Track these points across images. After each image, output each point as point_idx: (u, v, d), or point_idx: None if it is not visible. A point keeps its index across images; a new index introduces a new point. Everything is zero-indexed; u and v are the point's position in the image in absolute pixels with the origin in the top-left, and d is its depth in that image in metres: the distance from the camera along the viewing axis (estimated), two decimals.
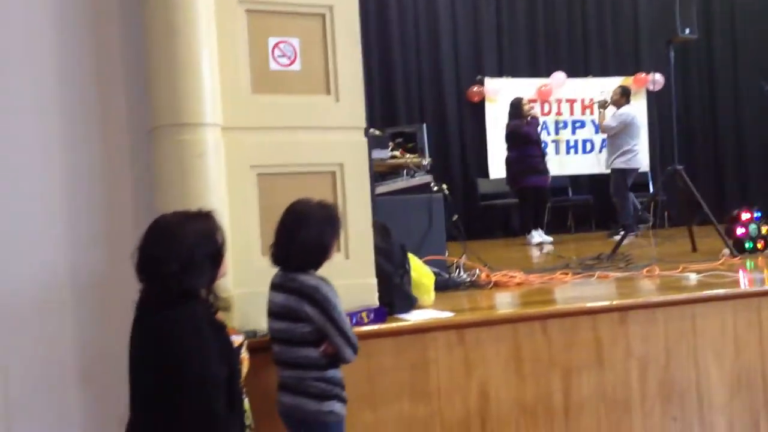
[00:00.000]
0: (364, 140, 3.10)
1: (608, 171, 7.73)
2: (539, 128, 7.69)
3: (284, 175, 2.92)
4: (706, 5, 9.77)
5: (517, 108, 7.52)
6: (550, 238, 7.34)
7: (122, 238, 2.82)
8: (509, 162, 7.56)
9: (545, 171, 7.50)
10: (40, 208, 2.76)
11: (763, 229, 5.17)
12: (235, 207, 2.82)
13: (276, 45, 2.97)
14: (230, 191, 2.81)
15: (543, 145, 7.89)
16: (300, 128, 2.98)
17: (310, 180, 2.97)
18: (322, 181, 2.99)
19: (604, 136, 8.03)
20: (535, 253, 6.53)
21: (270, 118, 2.93)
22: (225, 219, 2.74)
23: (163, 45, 2.72)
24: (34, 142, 2.76)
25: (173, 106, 2.73)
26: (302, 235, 2.38)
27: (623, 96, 7.66)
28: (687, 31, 5.46)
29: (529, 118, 7.46)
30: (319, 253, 2.42)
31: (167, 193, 2.71)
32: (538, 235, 7.33)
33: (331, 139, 3.01)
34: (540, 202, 7.58)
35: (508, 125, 7.60)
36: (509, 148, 7.55)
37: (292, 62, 2.99)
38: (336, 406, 2.37)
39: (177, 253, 2.01)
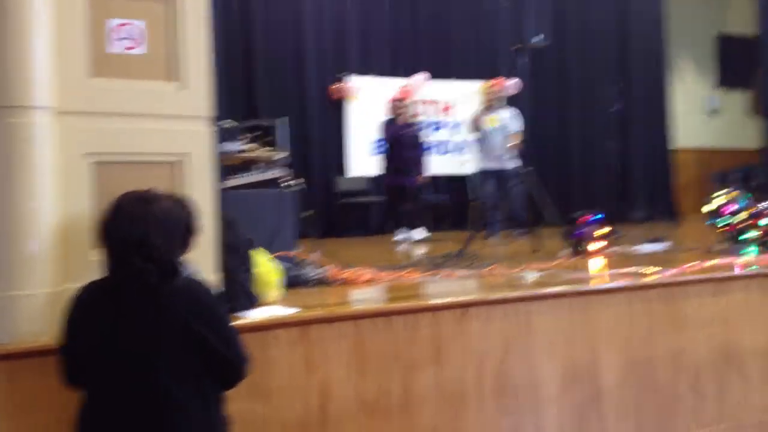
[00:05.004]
0: (210, 130, 3.01)
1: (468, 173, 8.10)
2: (406, 130, 7.86)
3: (122, 164, 2.78)
4: (560, 15, 10.26)
5: (390, 109, 7.87)
6: (416, 236, 7.55)
7: None
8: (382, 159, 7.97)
9: (408, 172, 7.69)
10: None
11: (601, 231, 5.48)
12: (67, 196, 2.66)
13: (118, 27, 2.82)
14: (62, 179, 2.65)
15: (422, 148, 8.10)
16: (141, 115, 2.84)
17: (150, 170, 2.83)
18: (163, 172, 2.87)
19: (471, 137, 8.37)
20: (391, 250, 6.62)
21: (108, 103, 2.78)
22: (55, 208, 2.61)
23: None
24: None
25: (0, 86, 2.55)
26: None
27: None
28: (538, 38, 5.70)
29: (397, 119, 7.70)
30: None
31: None
32: (401, 233, 7.52)
33: (175, 128, 2.90)
34: (402, 201, 7.77)
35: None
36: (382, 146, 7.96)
37: (135, 46, 2.85)
38: None
39: (161, 230, 2.05)
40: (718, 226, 5.15)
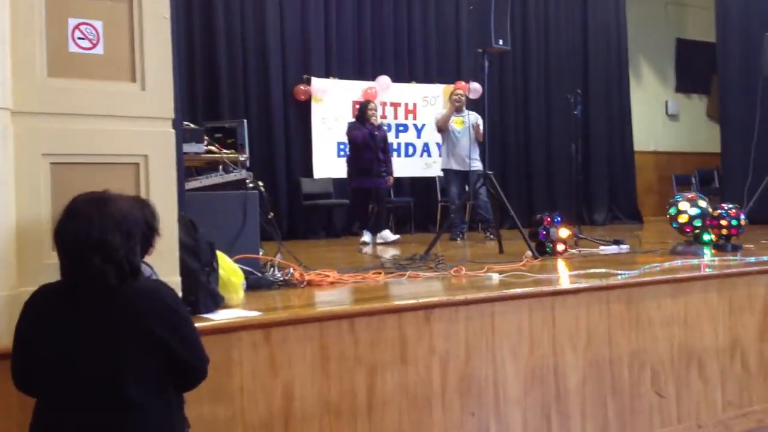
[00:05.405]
0: (172, 132, 2.97)
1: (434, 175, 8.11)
2: (377, 133, 7.85)
3: (81, 165, 2.74)
4: (523, 19, 10.39)
5: (359, 111, 7.89)
6: (387, 238, 7.58)
7: None
8: (347, 162, 8.00)
9: (379, 174, 7.68)
10: None
11: (563, 233, 5.54)
12: (24, 197, 2.60)
13: (76, 27, 2.78)
14: (19, 180, 2.60)
15: (390, 150, 8.24)
16: (101, 116, 2.79)
17: (110, 171, 2.78)
18: (124, 173, 2.83)
19: (438, 139, 8.55)
20: (355, 253, 6.61)
21: (67, 104, 2.73)
22: (13, 210, 2.56)
23: None
24: None
25: None
26: None
27: None
28: (500, 42, 5.74)
29: (367, 123, 7.68)
30: None
31: None
32: (366, 236, 7.53)
33: (136, 129, 2.86)
34: (369, 204, 7.76)
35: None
36: (348, 149, 7.98)
37: (94, 46, 2.81)
38: None
39: (119, 231, 2.02)
40: (681, 227, 5.23)
